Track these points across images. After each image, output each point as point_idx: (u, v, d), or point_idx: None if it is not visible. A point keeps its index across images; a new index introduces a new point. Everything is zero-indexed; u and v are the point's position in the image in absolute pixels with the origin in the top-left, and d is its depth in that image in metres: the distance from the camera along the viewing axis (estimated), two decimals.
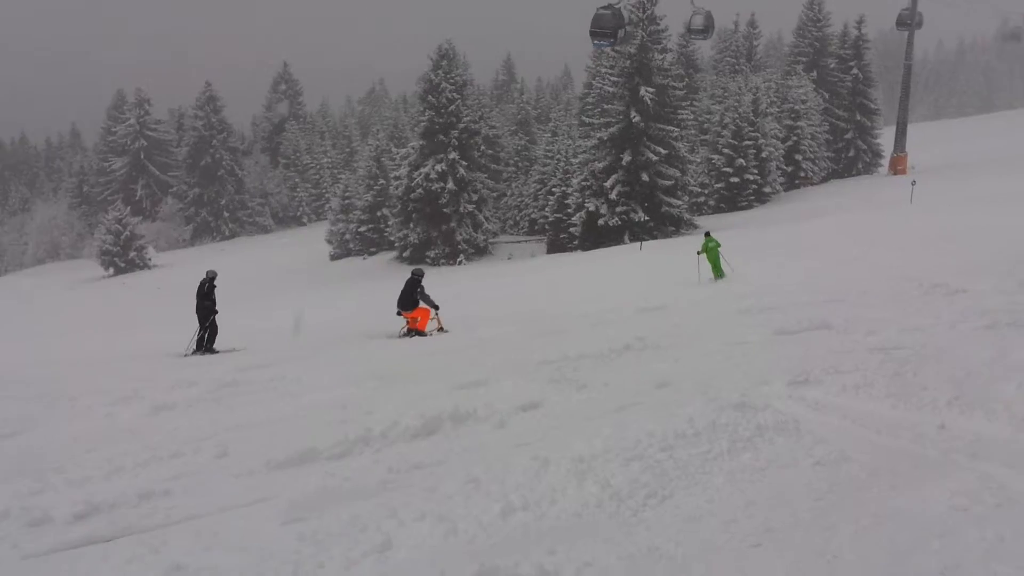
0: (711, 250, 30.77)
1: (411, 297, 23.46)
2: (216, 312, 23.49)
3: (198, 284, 23.65)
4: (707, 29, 34.22)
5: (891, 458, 8.16)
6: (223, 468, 9.50)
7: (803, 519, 6.96)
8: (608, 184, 59.20)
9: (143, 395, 14.84)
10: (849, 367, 11.47)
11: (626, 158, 58.77)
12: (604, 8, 32.03)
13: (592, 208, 59.79)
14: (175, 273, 77.03)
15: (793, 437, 8.84)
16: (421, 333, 23.16)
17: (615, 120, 59.92)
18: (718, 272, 30.48)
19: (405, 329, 23.52)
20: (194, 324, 23.53)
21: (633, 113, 58.68)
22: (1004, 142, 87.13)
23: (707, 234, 31.44)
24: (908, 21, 72.07)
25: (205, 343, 23.16)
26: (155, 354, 23.36)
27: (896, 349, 12.45)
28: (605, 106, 61.88)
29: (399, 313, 23.74)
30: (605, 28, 32.19)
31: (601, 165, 60.17)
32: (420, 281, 23.75)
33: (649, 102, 58.83)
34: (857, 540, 6.55)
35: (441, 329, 23.55)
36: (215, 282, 23.74)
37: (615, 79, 60.98)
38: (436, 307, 23.56)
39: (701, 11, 33.53)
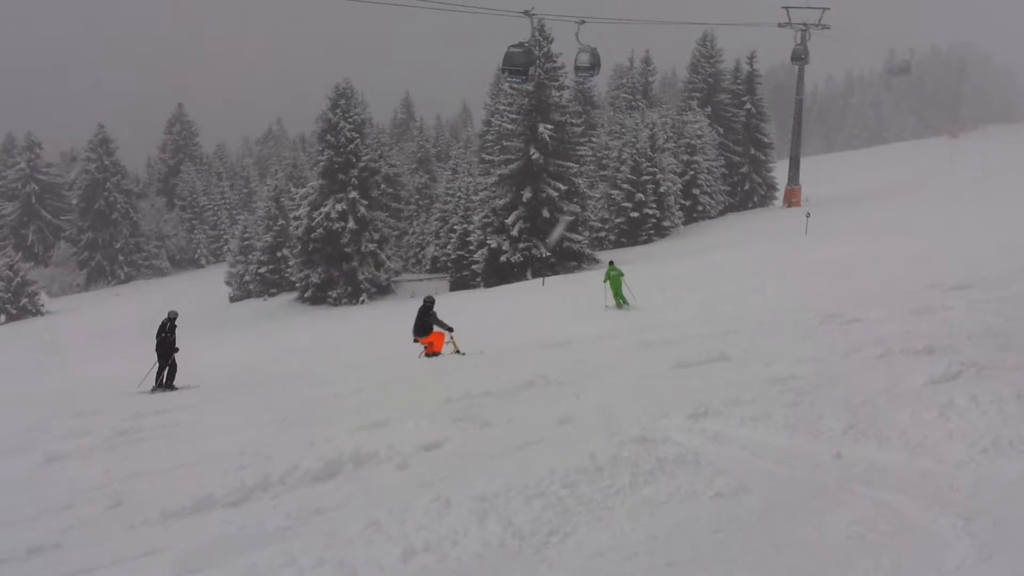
0: (613, 279, 32.02)
1: (426, 323, 23.86)
2: (176, 350, 24.06)
3: (159, 324, 24.29)
4: (593, 66, 34.85)
5: (789, 488, 8.26)
6: (117, 519, 9.25)
7: (703, 552, 7.00)
8: (509, 221, 59.42)
9: (35, 445, 14.43)
10: (747, 398, 11.60)
11: (527, 195, 59.09)
12: (515, 46, 33.57)
13: (494, 245, 59.93)
14: (68, 320, 75.14)
15: (693, 470, 8.90)
16: (436, 355, 23.41)
17: (515, 157, 60.25)
18: (619, 299, 31.14)
19: (423, 355, 23.69)
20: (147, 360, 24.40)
21: (532, 150, 59.07)
22: (894, 174, 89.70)
23: (611, 263, 32.34)
24: (802, 56, 73.93)
25: (165, 380, 23.80)
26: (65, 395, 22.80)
27: (793, 379, 12.63)
28: (505, 143, 62.19)
29: (415, 340, 24.05)
30: (517, 65, 33.66)
31: (502, 202, 60.40)
32: (432, 307, 24.14)
33: (548, 139, 59.30)
34: (756, 572, 6.60)
35: (457, 351, 23.70)
36: (175, 322, 24.35)
37: (514, 116, 61.40)
38: (451, 329, 23.99)
39: (587, 48, 34.23)
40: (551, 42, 62.32)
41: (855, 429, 9.85)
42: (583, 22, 33.49)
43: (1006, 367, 12.00)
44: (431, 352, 23.75)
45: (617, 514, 7.89)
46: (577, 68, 34.92)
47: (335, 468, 10.26)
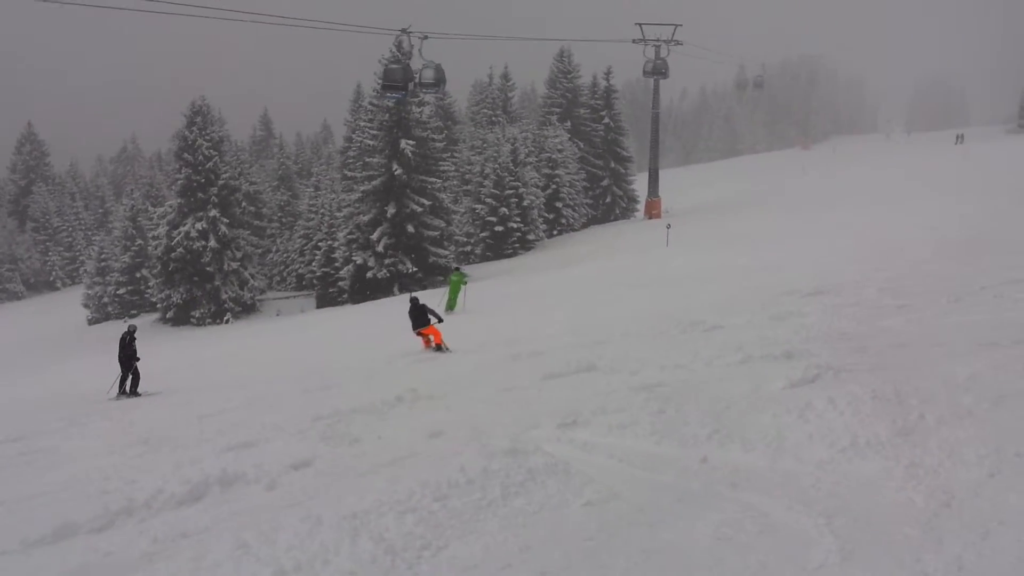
0: (454, 283, 34.18)
1: (421, 316, 24.68)
2: (138, 359, 24.86)
3: (120, 336, 25.32)
4: (438, 82, 35.03)
5: (658, 493, 8.40)
6: None
7: (576, 560, 7.07)
8: (374, 237, 59.16)
9: None
10: (615, 407, 11.77)
11: (391, 210, 58.92)
12: (394, 63, 33.98)
13: (360, 261, 59.57)
14: None
15: (563, 479, 8.99)
16: (440, 348, 23.59)
17: (377, 173, 60.02)
18: (452, 303, 33.68)
19: (431, 346, 24.04)
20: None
21: (395, 166, 58.96)
22: (749, 185, 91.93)
23: (456, 268, 35.44)
24: (662, 70, 75.24)
25: (129, 388, 24.62)
26: None
27: (659, 387, 12.85)
28: (367, 159, 61.87)
29: (417, 332, 24.77)
30: (396, 82, 35.01)
31: (366, 218, 60.11)
32: (420, 302, 25.50)
33: (410, 154, 59.26)
34: None
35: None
36: (135, 334, 25.31)
37: (375, 132, 61.16)
38: (440, 320, 24.94)
39: (431, 64, 34.41)
40: (411, 59, 62.33)
41: (719, 433, 10.07)
42: (426, 37, 33.75)
43: (861, 369, 12.42)
44: (434, 343, 23.97)
45: (489, 526, 7.93)
46: (421, 84, 35.04)
47: (202, 490, 10.07)
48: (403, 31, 34.42)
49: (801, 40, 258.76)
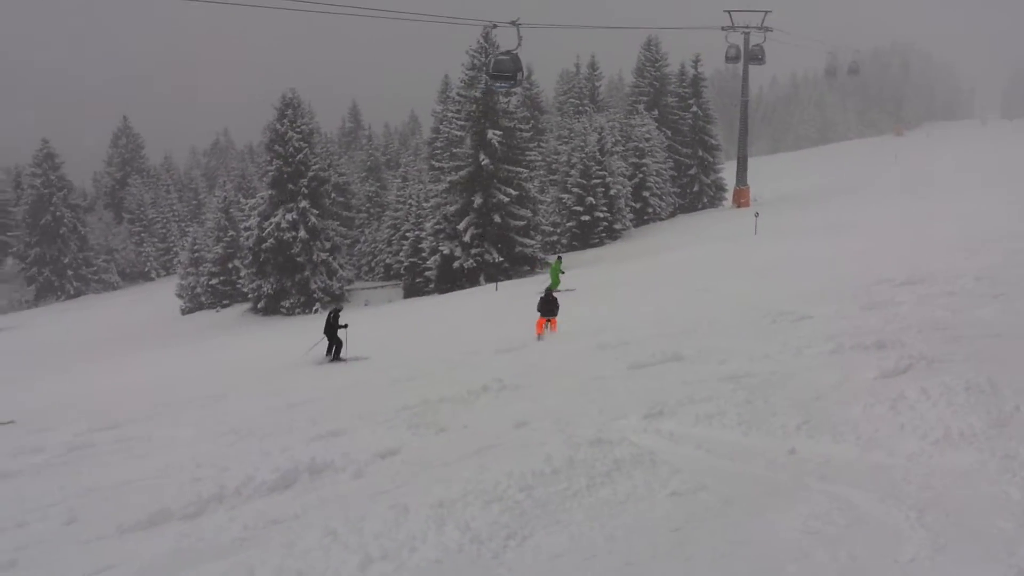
0: (554, 269, 37.77)
1: (553, 306, 26.25)
2: (344, 326, 28.06)
3: (327, 313, 28.98)
4: (515, 73, 35.10)
5: (745, 485, 8.31)
6: (71, 535, 9.14)
7: (662, 550, 7.02)
8: (461, 227, 59.38)
9: None
10: (702, 397, 11.68)
11: (477, 200, 59.07)
12: (503, 54, 34.94)
13: (447, 251, 59.84)
14: (17, 336, 73.94)
15: (649, 469, 8.94)
16: (541, 337, 25.06)
17: (464, 163, 60.21)
18: (554, 283, 36.09)
19: (543, 332, 25.58)
20: None
21: (482, 156, 59.08)
22: (839, 173, 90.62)
23: (558, 258, 39.19)
24: (758, 55, 74.32)
25: (335, 354, 27.70)
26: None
27: (746, 377, 12.72)
28: (454, 150, 62.10)
29: (543, 319, 26.19)
30: (505, 72, 35.02)
31: (453, 208, 60.35)
32: (551, 294, 27.20)
33: (497, 145, 59.33)
34: (715, 569, 6.64)
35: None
36: (340, 312, 29.16)
37: (462, 123, 61.34)
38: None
39: (507, 53, 34.65)
40: (497, 48, 62.41)
41: (808, 425, 9.94)
42: (495, 26, 34.20)
43: (954, 360, 12.15)
44: (550, 330, 25.61)
45: (575, 516, 7.91)
46: (492, 76, 35.37)
47: (291, 478, 10.21)
48: (513, 23, 34.74)
49: (892, 26, 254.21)
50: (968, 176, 63.86)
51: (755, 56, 74.37)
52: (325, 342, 28.11)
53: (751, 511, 7.66)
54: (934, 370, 11.69)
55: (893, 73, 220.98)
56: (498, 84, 36.82)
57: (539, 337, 24.92)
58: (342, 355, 27.77)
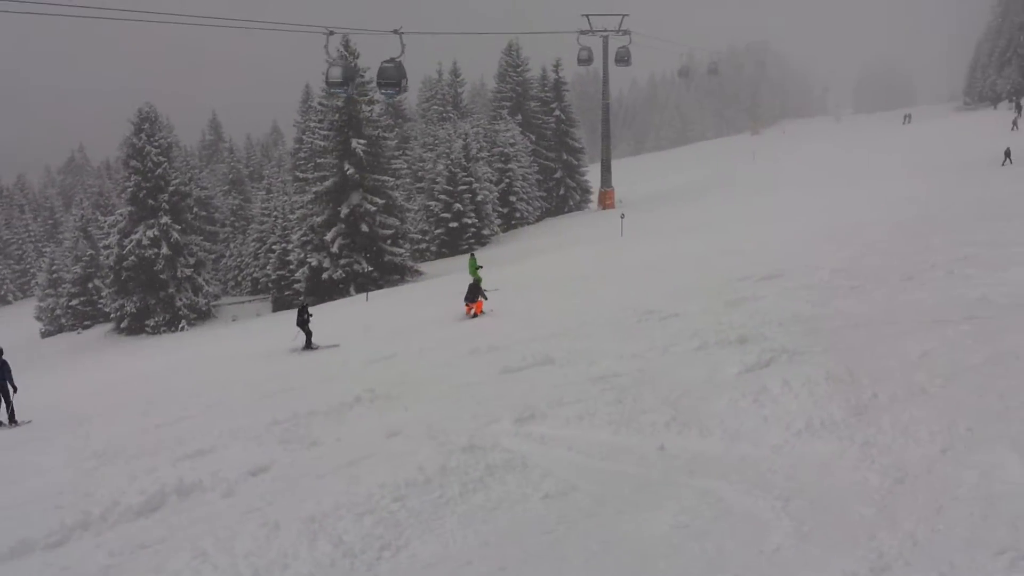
0: (471, 266, 37.27)
1: (476, 292, 29.31)
2: (310, 315, 29.63)
3: (298, 309, 29.99)
4: (347, 81, 35.36)
5: (616, 484, 8.41)
6: None
7: (535, 554, 7.06)
8: (329, 237, 58.81)
9: None
10: (572, 399, 11.78)
11: (344, 210, 58.59)
12: (387, 62, 36.17)
13: (315, 263, 59.18)
14: None
15: (522, 473, 8.99)
16: (476, 315, 28.64)
17: (329, 173, 59.66)
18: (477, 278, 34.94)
19: (470, 313, 28.97)
20: None
21: (347, 165, 58.61)
22: (700, 172, 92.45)
23: (471, 254, 37.96)
24: (625, 57, 75.21)
25: (306, 344, 29.03)
26: None
27: (615, 377, 12.89)
28: (318, 160, 61.49)
29: (467, 304, 29.22)
30: (390, 79, 36.66)
31: (320, 219, 59.73)
32: (479, 284, 30.09)
33: (362, 153, 58.94)
34: (587, 569, 6.70)
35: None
36: (308, 307, 30.31)
37: (326, 133, 60.78)
38: (486, 298, 29.63)
39: (337, 62, 34.95)
40: (357, 57, 62.07)
41: (676, 421, 10.11)
42: (331, 33, 34.17)
43: (815, 351, 12.51)
44: (475, 311, 28.90)
45: (448, 524, 7.91)
46: (329, 83, 35.80)
47: (158, 501, 9.98)
48: (395, 31, 35.08)
49: (746, 28, 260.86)
50: (823, 171, 65.73)
51: (622, 58, 75.28)
52: (300, 334, 29.30)
53: (622, 509, 7.76)
54: (795, 362, 12.01)
55: (748, 73, 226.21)
56: (384, 91, 38.10)
57: (469, 315, 28.79)
58: (312, 343, 28.95)
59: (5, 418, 23.42)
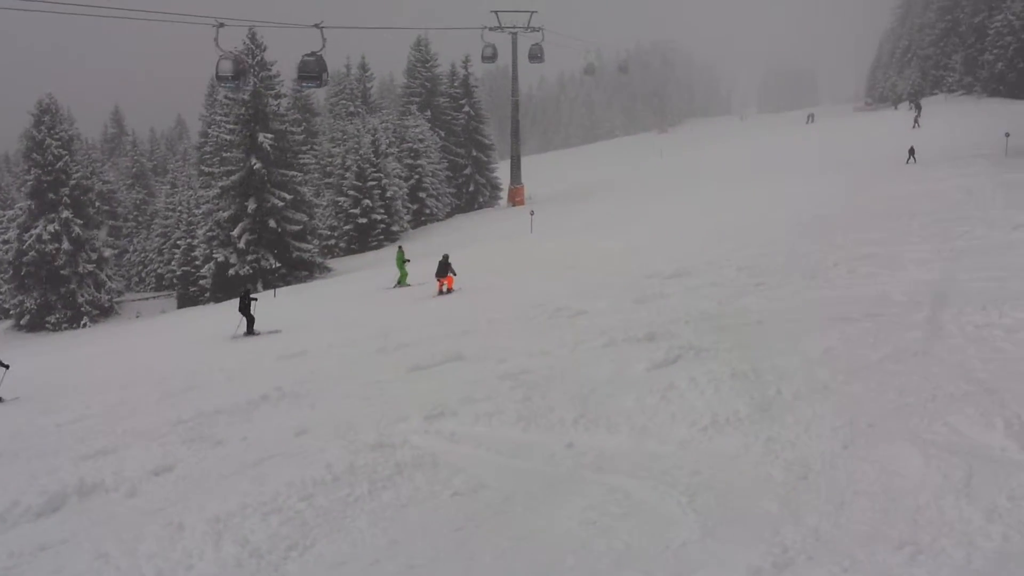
0: (399, 259, 36.96)
1: (445, 269, 31.19)
2: (255, 299, 30.40)
3: (240, 295, 30.64)
4: (238, 75, 35.00)
5: (525, 481, 8.44)
6: None
7: (444, 551, 7.06)
8: (235, 233, 58.06)
9: None
10: (482, 396, 11.80)
11: (251, 205, 57.90)
12: (308, 55, 37.02)
13: (221, 258, 58.39)
14: None
15: (431, 471, 8.98)
16: (449, 291, 30.85)
17: (236, 168, 58.91)
18: (403, 278, 36.28)
19: (442, 289, 31.27)
20: None
21: (254, 160, 57.94)
22: (609, 169, 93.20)
23: (399, 247, 38.24)
24: (538, 54, 75.43)
25: (247, 329, 29.51)
26: None
27: (525, 374, 12.93)
28: (224, 154, 60.64)
29: (439, 280, 31.37)
30: (311, 72, 37.58)
31: (226, 214, 58.95)
32: (448, 259, 31.66)
33: (269, 148, 58.31)
34: (496, 566, 6.71)
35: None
36: (251, 293, 30.75)
37: (231, 127, 60.00)
38: (455, 273, 31.32)
39: (228, 55, 34.63)
40: (264, 50, 61.36)
41: (584, 418, 10.18)
42: (222, 25, 33.66)
43: (720, 348, 12.70)
44: (447, 288, 31.01)
45: (357, 522, 7.87)
46: (219, 78, 35.18)
47: (59, 501, 9.77)
48: (316, 26, 35.42)
49: (654, 27, 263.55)
50: (729, 170, 66.68)
51: (535, 55, 75.59)
52: (243, 321, 29.86)
53: (531, 506, 7.79)
54: (702, 359, 12.18)
55: (655, 72, 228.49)
56: (305, 84, 39.81)
57: (440, 292, 30.93)
58: (255, 329, 29.62)
59: None
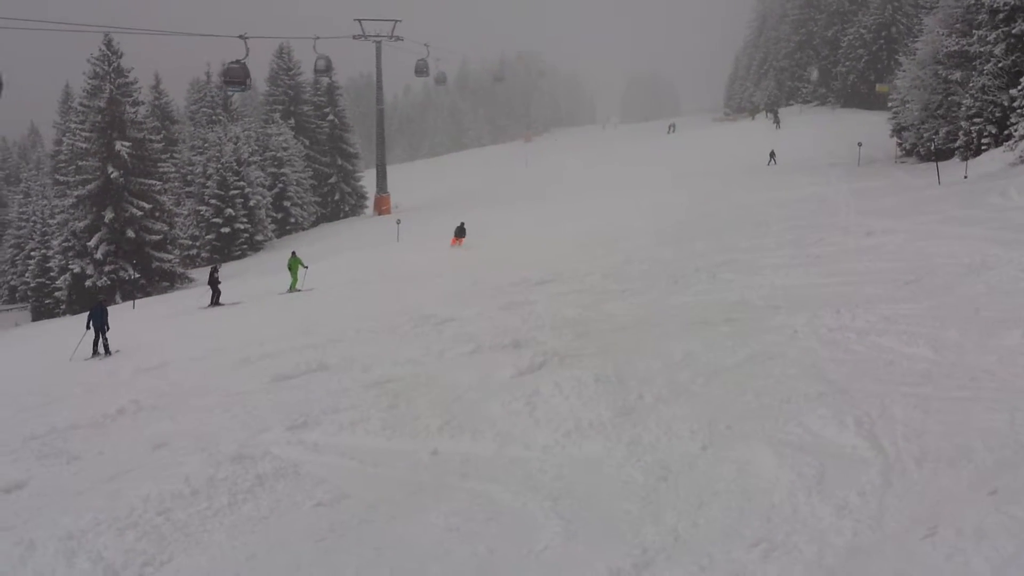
0: (292, 265, 36.39)
1: (461, 232, 39.66)
2: (219, 282, 34.55)
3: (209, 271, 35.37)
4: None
5: (389, 489, 8.41)
6: None
7: (306, 563, 6.99)
8: (92, 243, 56.56)
9: None
10: (346, 405, 11.72)
11: (108, 215, 56.48)
12: (234, 63, 40.06)
13: (77, 270, 56.81)
14: None
15: (293, 482, 8.88)
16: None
17: (92, 177, 57.41)
18: (295, 283, 35.88)
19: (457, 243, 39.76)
20: None
21: (111, 168, 56.55)
22: (476, 178, 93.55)
23: (293, 253, 37.70)
24: (423, 69, 75.69)
25: (213, 301, 33.52)
26: None
27: (390, 382, 12.90)
28: (80, 163, 59.02)
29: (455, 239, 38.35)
30: (236, 78, 41.00)
31: (82, 224, 57.37)
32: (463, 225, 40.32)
33: (126, 156, 56.99)
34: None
35: None
36: (219, 268, 36.02)
37: (87, 134, 58.45)
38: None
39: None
40: (120, 57, 59.96)
41: (450, 425, 10.20)
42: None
43: (585, 354, 12.86)
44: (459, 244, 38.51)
45: (216, 536, 7.73)
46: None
47: None
48: (241, 36, 37.32)
49: (520, 39, 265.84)
50: (593, 178, 67.60)
51: (421, 70, 76.80)
52: (210, 292, 33.85)
53: (395, 515, 7.76)
54: (566, 365, 12.32)
55: (521, 81, 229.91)
56: (230, 89, 44.18)
57: (454, 246, 37.29)
58: (219, 301, 33.37)
59: None
